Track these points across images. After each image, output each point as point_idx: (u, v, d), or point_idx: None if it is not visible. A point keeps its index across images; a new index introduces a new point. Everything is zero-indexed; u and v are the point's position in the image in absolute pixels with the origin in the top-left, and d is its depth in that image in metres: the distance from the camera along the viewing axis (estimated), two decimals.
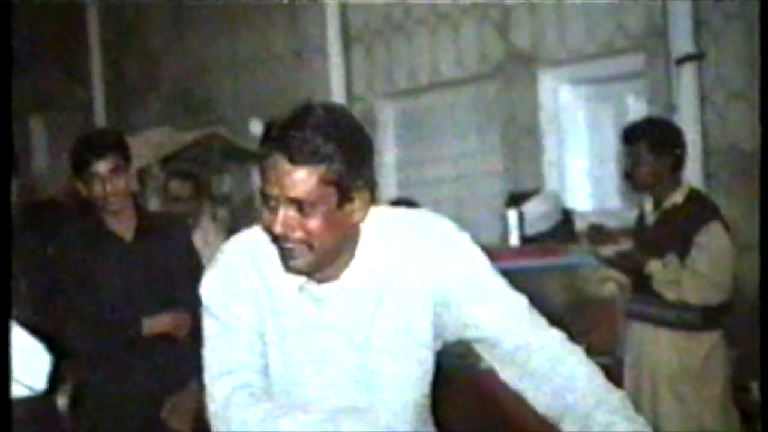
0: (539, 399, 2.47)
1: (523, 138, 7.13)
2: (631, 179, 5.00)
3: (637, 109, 6.65)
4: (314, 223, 2.33)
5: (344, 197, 2.34)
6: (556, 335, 2.50)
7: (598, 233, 5.20)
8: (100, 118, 10.51)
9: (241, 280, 2.45)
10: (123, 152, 4.21)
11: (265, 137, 2.35)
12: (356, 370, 2.47)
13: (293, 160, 2.30)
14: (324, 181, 2.31)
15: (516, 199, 5.84)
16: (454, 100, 7.70)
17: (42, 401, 2.90)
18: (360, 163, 2.34)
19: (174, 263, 4.27)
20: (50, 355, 2.82)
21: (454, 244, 2.49)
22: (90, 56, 10.55)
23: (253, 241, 2.47)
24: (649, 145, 4.88)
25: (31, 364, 2.79)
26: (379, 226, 2.47)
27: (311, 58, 8.54)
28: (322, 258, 2.38)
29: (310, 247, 2.35)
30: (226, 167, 8.55)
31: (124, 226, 4.28)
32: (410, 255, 2.46)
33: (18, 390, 2.80)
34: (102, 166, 4.14)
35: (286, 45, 8.80)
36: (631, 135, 4.95)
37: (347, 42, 8.27)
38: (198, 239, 5.22)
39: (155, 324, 4.19)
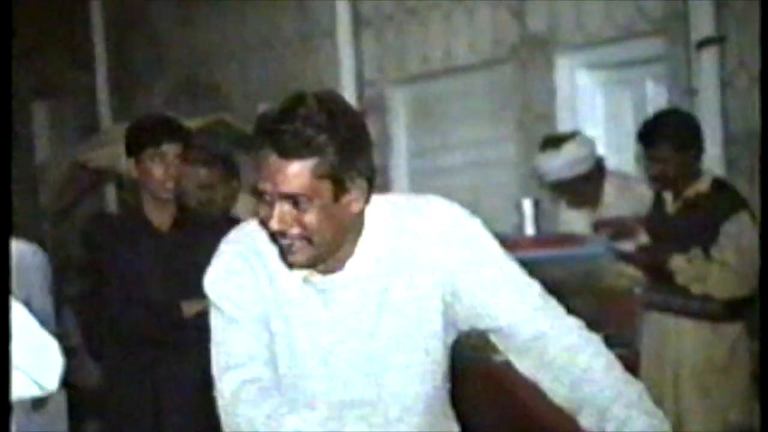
0: (557, 390, 2.47)
1: (538, 124, 7.09)
2: (658, 180, 4.96)
3: (656, 94, 6.62)
4: (311, 217, 2.33)
5: (340, 189, 2.33)
6: (573, 323, 2.49)
7: (613, 227, 5.19)
8: (104, 104, 10.52)
9: (244, 271, 2.46)
10: (189, 143, 4.36)
11: (256, 131, 2.37)
12: (363, 362, 2.47)
13: (284, 155, 2.30)
14: (317, 175, 2.31)
15: (553, 142, 5.84)
16: (467, 85, 7.68)
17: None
18: (355, 153, 2.34)
19: (208, 258, 4.35)
20: (63, 357, 2.84)
21: (464, 230, 2.47)
22: (94, 41, 10.54)
23: (255, 232, 2.47)
24: (672, 144, 4.85)
25: (47, 363, 2.81)
26: (384, 213, 2.47)
27: (320, 42, 8.52)
28: (322, 251, 2.38)
29: (309, 241, 2.36)
30: (234, 154, 8.53)
31: (162, 217, 4.37)
32: (418, 243, 2.45)
33: (28, 388, 2.81)
34: (171, 149, 4.25)
35: (295, 29, 8.79)
36: (650, 136, 4.90)
37: (358, 26, 8.24)
38: None
39: (195, 307, 4.13)
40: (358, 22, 8.24)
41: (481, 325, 2.49)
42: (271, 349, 2.45)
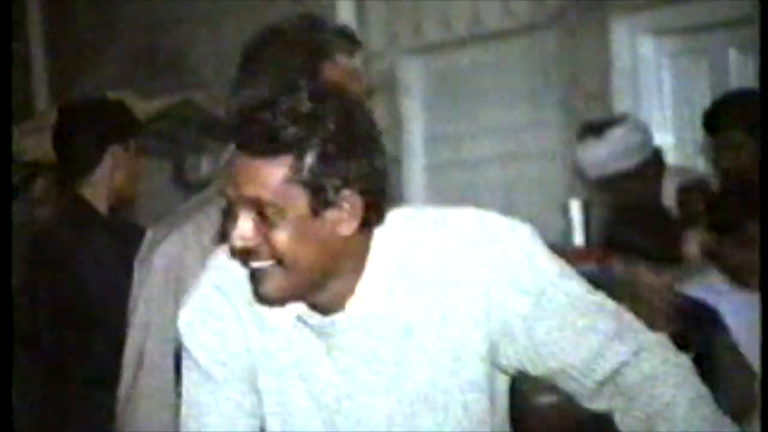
0: (628, 422, 2.47)
1: (589, 105, 7.13)
2: (730, 176, 4.96)
3: (740, 66, 6.67)
4: (281, 234, 2.29)
5: (319, 200, 2.29)
6: (656, 342, 2.47)
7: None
8: (40, 80, 10.56)
9: (224, 311, 2.45)
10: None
11: (229, 126, 2.36)
12: (380, 423, 2.44)
13: (249, 151, 2.28)
14: (290, 179, 2.27)
15: (594, 128, 5.72)
16: (500, 57, 7.73)
17: None
18: (343, 155, 2.28)
19: None
20: None
21: (511, 247, 2.42)
22: (26, 2, 10.55)
23: None
24: (744, 127, 4.84)
25: None
26: (400, 231, 2.42)
27: (315, 2, 8.48)
28: (298, 282, 2.34)
29: (282, 265, 2.31)
30: (204, 145, 8.52)
31: (98, 201, 5.04)
32: (449, 268, 2.40)
33: None
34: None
35: None
36: (717, 121, 4.91)
37: None
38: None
39: None
40: None
41: (540, 368, 2.45)
42: (256, 415, 2.45)
